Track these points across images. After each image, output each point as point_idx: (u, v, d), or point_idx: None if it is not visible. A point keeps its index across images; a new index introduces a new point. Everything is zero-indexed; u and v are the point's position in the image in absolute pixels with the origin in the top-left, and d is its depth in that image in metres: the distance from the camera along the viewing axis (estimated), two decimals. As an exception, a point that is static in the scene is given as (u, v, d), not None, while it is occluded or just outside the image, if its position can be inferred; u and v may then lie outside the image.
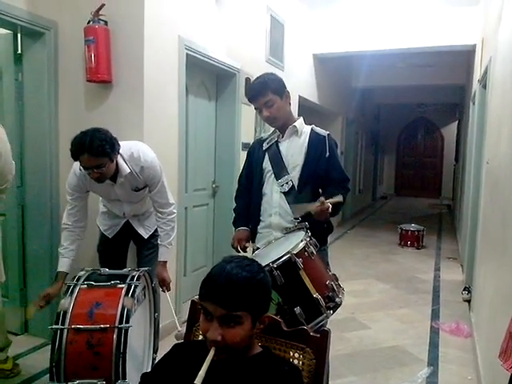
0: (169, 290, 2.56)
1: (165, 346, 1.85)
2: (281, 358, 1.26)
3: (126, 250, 2.79)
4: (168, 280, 2.55)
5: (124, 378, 1.80)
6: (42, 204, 3.03)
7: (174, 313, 2.59)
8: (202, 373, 1.05)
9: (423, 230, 6.84)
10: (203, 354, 1.09)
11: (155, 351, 2.34)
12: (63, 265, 2.36)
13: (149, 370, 2.15)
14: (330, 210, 1.96)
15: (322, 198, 1.93)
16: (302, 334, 1.33)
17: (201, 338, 1.42)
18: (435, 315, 3.94)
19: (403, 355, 3.14)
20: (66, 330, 1.81)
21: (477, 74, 4.70)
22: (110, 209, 2.64)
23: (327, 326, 1.67)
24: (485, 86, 3.84)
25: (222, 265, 1.13)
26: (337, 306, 1.78)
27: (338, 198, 1.99)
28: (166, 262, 2.55)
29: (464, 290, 4.31)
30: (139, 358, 2.20)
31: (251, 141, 4.19)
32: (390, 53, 6.33)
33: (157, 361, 1.46)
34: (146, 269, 2.24)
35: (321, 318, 1.71)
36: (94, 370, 1.80)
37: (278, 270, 1.66)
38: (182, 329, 2.52)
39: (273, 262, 1.67)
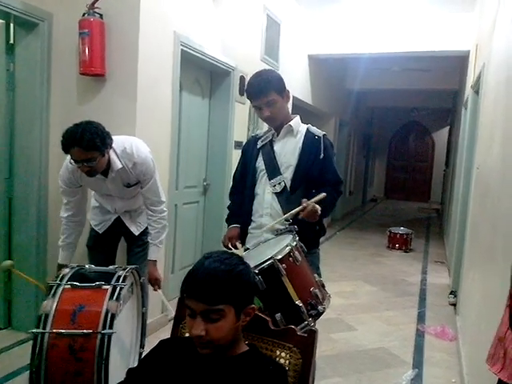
0: (160, 287, 2.55)
1: (151, 343, 1.84)
2: (266, 357, 1.26)
3: (115, 246, 2.76)
4: (160, 279, 2.53)
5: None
6: (30, 196, 3.00)
7: (168, 305, 2.56)
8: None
9: (411, 234, 6.89)
10: (189, 351, 1.08)
11: (142, 346, 2.33)
12: (63, 258, 2.44)
13: (135, 364, 2.14)
14: (319, 210, 1.94)
15: (303, 202, 1.91)
16: (289, 334, 1.33)
17: (187, 335, 1.42)
18: (421, 318, 3.97)
19: (388, 357, 3.15)
20: (47, 334, 1.75)
21: (470, 80, 4.73)
22: (102, 204, 2.61)
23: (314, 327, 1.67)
24: (477, 92, 3.87)
25: (202, 260, 1.14)
26: (319, 314, 1.75)
27: (319, 196, 1.95)
28: (156, 260, 2.52)
29: (450, 293, 4.35)
30: (127, 352, 2.18)
31: (244, 139, 4.19)
32: (385, 56, 6.37)
33: (143, 356, 1.45)
34: (134, 266, 2.22)
35: (302, 326, 1.67)
36: (77, 376, 1.74)
37: (260, 275, 1.62)
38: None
39: (255, 267, 1.62)
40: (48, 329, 1.76)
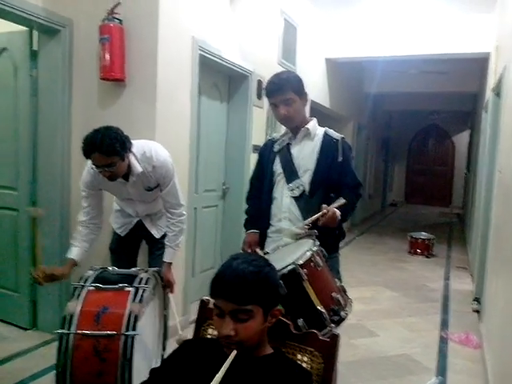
0: (172, 292, 2.51)
1: (172, 345, 1.84)
2: (292, 361, 1.25)
3: (137, 248, 2.78)
4: (173, 281, 2.50)
5: None
6: (53, 200, 3.04)
7: (176, 316, 2.54)
8: (219, 376, 1.04)
9: (433, 239, 6.77)
10: (212, 352, 1.08)
11: (163, 348, 2.33)
12: (73, 252, 2.33)
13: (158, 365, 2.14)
14: (338, 216, 1.91)
15: (323, 208, 1.88)
16: (311, 338, 1.32)
17: (209, 336, 1.41)
18: (444, 325, 3.89)
19: (411, 364, 3.09)
20: (72, 335, 1.78)
21: (490, 82, 4.66)
22: (124, 208, 2.63)
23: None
24: (498, 95, 3.80)
25: (230, 261, 1.16)
26: (341, 319, 1.72)
27: (339, 202, 1.92)
28: (171, 263, 2.50)
29: (474, 300, 4.26)
30: (150, 353, 2.19)
31: (262, 143, 4.19)
32: (404, 59, 6.31)
33: (166, 356, 1.45)
34: (156, 269, 2.23)
35: (324, 332, 1.64)
36: (100, 376, 1.77)
37: (282, 280, 1.58)
38: (183, 333, 2.50)
39: None
40: (73, 330, 1.79)
